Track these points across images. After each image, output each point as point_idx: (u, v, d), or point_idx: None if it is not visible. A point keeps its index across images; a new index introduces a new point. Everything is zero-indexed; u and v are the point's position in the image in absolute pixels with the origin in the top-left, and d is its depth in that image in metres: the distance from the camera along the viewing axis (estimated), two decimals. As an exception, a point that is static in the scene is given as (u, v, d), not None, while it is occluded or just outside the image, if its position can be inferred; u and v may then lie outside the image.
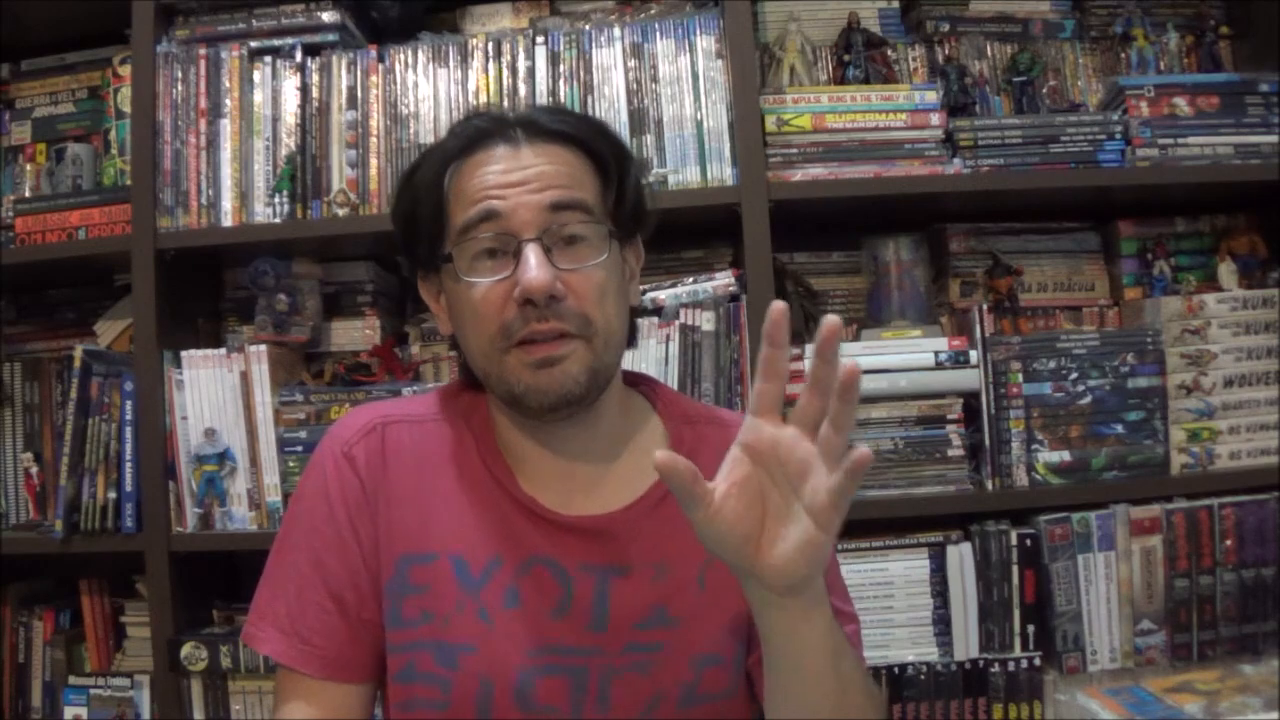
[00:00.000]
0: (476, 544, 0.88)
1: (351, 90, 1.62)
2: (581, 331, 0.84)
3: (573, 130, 0.89)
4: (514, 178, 0.85)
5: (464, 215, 0.85)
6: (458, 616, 0.87)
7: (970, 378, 1.51)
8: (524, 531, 0.89)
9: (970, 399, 1.52)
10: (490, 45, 1.61)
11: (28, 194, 1.78)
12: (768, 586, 0.71)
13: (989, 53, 1.74)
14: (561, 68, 1.60)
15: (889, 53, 1.69)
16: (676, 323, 1.52)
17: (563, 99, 1.59)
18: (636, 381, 1.01)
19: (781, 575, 0.69)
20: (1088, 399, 1.52)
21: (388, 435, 0.92)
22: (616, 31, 1.60)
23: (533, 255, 0.82)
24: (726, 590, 0.88)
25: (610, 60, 1.60)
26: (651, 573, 0.89)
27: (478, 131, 0.88)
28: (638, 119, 1.58)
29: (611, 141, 0.91)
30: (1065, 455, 1.51)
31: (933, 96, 1.57)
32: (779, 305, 0.67)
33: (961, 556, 1.47)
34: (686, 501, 0.68)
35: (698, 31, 1.58)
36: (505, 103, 1.60)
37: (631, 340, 0.96)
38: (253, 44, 1.64)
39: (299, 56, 1.63)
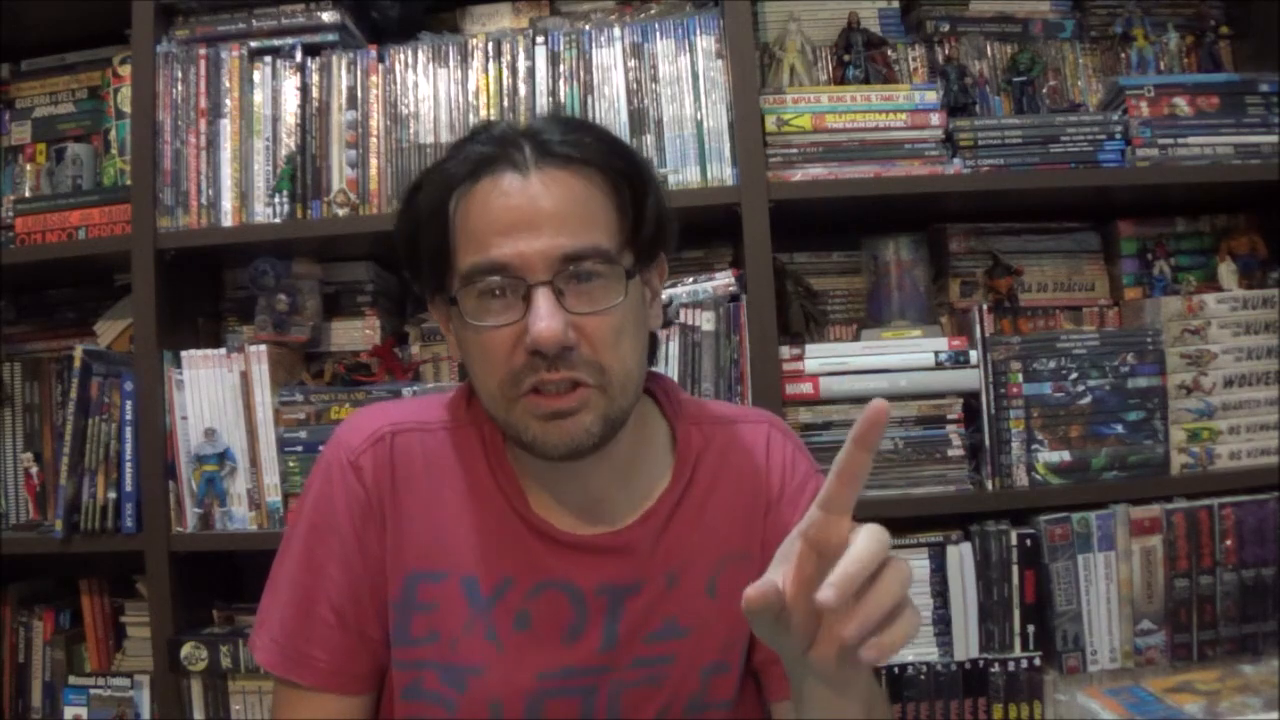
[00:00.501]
0: (487, 564, 0.86)
1: (351, 90, 1.62)
2: (595, 381, 0.80)
3: (586, 155, 0.82)
4: (523, 217, 0.78)
5: (470, 259, 0.80)
6: (465, 638, 0.85)
7: (970, 378, 1.51)
8: (537, 554, 0.86)
9: (970, 399, 1.52)
10: (490, 45, 1.61)
11: (28, 194, 1.78)
12: (818, 676, 0.66)
13: (989, 53, 1.74)
14: (561, 68, 1.60)
15: (889, 53, 1.69)
16: (676, 323, 1.52)
17: (563, 99, 1.59)
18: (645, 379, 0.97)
19: (837, 669, 0.65)
20: (1088, 399, 1.52)
21: (396, 445, 0.88)
22: (616, 31, 1.60)
23: (543, 303, 0.77)
24: (735, 598, 0.86)
25: (610, 60, 1.60)
26: (664, 583, 0.87)
27: (482, 157, 0.81)
28: (638, 119, 1.58)
29: (628, 160, 0.85)
30: (1065, 455, 1.51)
31: (933, 96, 1.57)
32: (881, 406, 0.60)
33: (961, 556, 1.47)
34: (760, 614, 0.63)
35: (698, 31, 1.58)
36: (505, 103, 1.59)
37: (650, 359, 0.92)
38: (253, 44, 1.64)
39: (299, 56, 1.63)
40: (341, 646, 0.87)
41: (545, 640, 0.85)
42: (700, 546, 0.89)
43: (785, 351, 1.51)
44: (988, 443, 1.51)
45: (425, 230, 0.83)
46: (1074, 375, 1.52)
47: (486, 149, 0.82)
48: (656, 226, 0.86)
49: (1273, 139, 1.56)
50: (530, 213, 0.79)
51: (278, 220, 1.59)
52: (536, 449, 0.82)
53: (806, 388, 1.50)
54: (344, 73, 1.62)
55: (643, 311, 0.86)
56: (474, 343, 0.81)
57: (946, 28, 1.74)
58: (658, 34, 1.59)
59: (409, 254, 0.87)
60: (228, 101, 1.63)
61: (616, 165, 0.83)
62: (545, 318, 0.76)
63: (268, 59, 1.63)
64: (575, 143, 0.82)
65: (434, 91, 1.61)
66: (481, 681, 0.84)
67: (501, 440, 0.89)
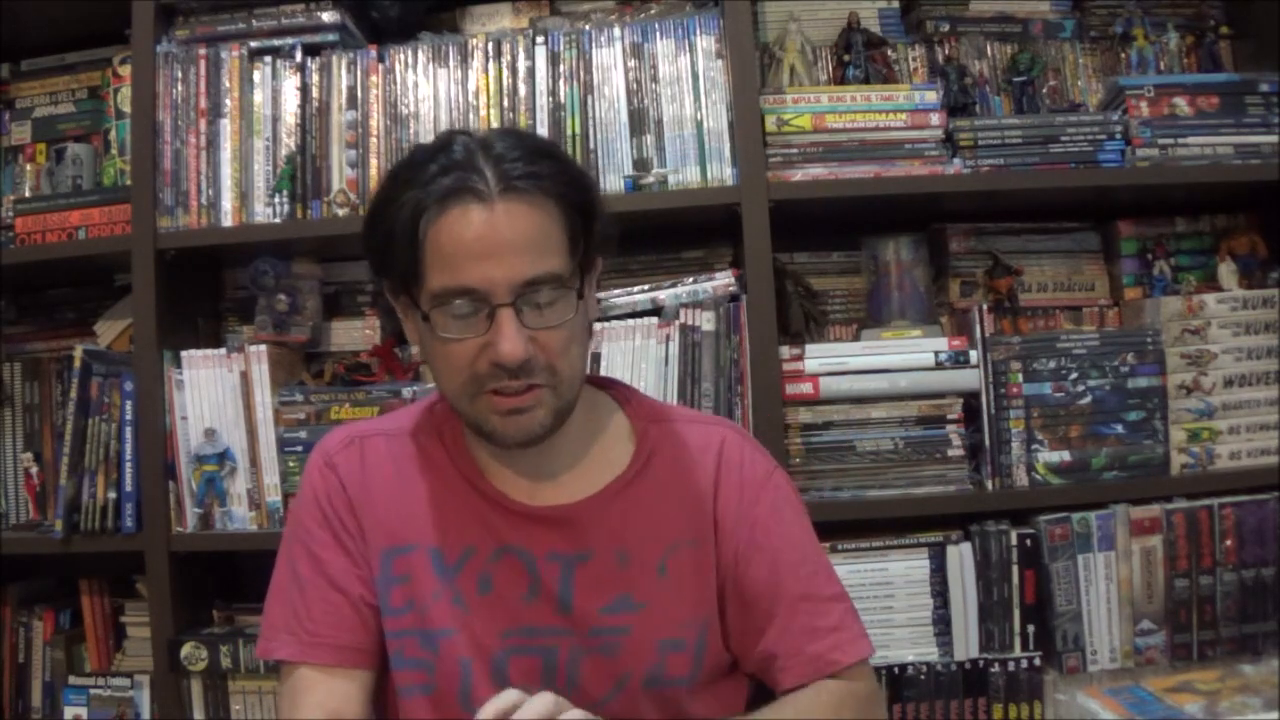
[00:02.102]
0: (450, 536, 0.96)
1: (351, 90, 1.62)
2: (548, 382, 0.90)
3: (544, 188, 0.89)
4: (488, 246, 0.86)
5: (440, 281, 0.88)
6: (435, 604, 0.94)
7: (970, 378, 1.51)
8: (494, 523, 0.96)
9: (970, 399, 1.52)
10: (490, 45, 1.61)
11: (28, 194, 1.78)
12: None
13: (989, 53, 1.74)
14: (561, 68, 1.60)
15: (889, 53, 1.69)
16: (676, 323, 1.52)
17: (563, 99, 1.59)
18: (604, 385, 1.07)
19: None
20: (1088, 399, 1.52)
21: (366, 447, 1.01)
22: (616, 31, 1.60)
23: (507, 324, 0.86)
24: (687, 578, 0.96)
25: (610, 60, 1.60)
26: (614, 559, 0.96)
27: (448, 190, 0.88)
28: (638, 119, 1.58)
29: (581, 189, 0.93)
30: (1065, 455, 1.51)
31: (933, 96, 1.57)
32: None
33: (961, 556, 1.47)
34: None
35: (698, 31, 1.58)
36: (505, 103, 1.59)
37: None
38: (253, 44, 1.64)
39: (299, 56, 1.63)
40: (348, 621, 0.95)
41: (507, 601, 0.95)
42: (651, 529, 0.97)
43: (785, 351, 1.51)
44: (988, 443, 1.51)
45: (398, 248, 0.90)
46: (1074, 375, 1.52)
47: (450, 181, 0.88)
48: (601, 241, 0.96)
49: (1273, 139, 1.56)
50: (495, 242, 0.87)
51: (278, 220, 1.60)
52: (495, 439, 0.93)
53: (806, 388, 1.50)
54: (344, 73, 1.62)
55: (587, 319, 0.97)
56: (440, 351, 0.92)
57: (946, 28, 1.74)
58: (658, 34, 1.59)
59: (379, 262, 0.94)
60: (228, 101, 1.63)
61: (571, 198, 0.92)
62: (509, 339, 0.87)
63: (268, 59, 1.63)
64: (534, 175, 0.89)
65: (434, 91, 1.61)
66: (451, 643, 0.94)
67: (461, 437, 1.00)
